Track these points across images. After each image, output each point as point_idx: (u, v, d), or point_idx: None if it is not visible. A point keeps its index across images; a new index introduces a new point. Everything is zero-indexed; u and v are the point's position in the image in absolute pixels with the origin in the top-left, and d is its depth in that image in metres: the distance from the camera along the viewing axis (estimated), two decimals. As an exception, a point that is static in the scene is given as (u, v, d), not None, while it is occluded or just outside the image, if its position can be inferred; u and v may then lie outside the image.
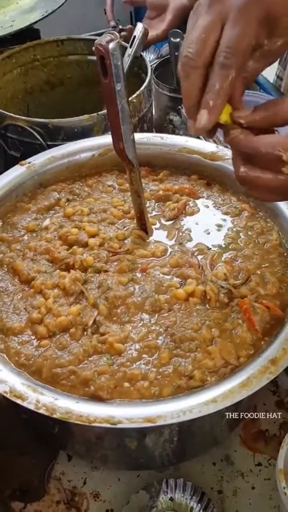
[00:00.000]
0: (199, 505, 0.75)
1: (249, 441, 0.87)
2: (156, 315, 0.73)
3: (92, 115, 1.00)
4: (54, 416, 0.61)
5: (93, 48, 0.67)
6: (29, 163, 0.93)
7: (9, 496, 0.81)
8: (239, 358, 0.68)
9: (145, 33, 1.11)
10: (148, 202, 0.89)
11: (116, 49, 0.65)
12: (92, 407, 0.62)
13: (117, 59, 0.66)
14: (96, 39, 0.67)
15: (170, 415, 0.61)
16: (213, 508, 0.75)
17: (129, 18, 2.12)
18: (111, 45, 0.65)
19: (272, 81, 1.44)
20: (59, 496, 0.82)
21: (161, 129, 1.26)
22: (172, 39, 1.23)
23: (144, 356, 0.68)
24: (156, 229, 0.87)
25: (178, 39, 1.22)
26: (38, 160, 0.94)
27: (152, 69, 1.15)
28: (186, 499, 0.76)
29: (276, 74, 1.48)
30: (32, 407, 0.61)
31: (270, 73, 1.47)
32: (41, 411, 0.61)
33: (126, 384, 0.66)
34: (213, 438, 0.81)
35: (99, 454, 0.79)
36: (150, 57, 1.52)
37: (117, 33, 0.66)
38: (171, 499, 0.77)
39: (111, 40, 0.65)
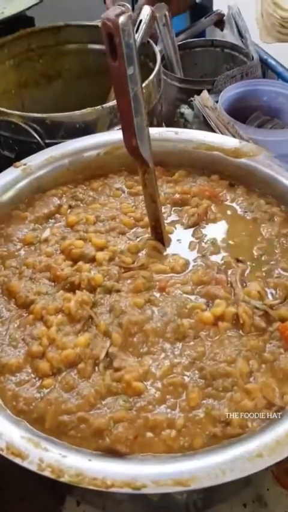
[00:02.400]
0: None
1: (283, 477, 0.76)
2: (181, 344, 0.61)
3: (96, 108, 0.88)
4: (62, 479, 0.49)
5: (100, 23, 0.55)
6: (25, 164, 0.81)
7: None
8: (284, 396, 0.57)
9: (152, 16, 0.99)
10: (163, 207, 0.78)
11: (128, 24, 0.54)
12: (108, 465, 0.51)
13: (128, 37, 0.54)
14: (97, 25, 0.55)
15: (206, 476, 0.49)
16: None
17: (130, 6, 2.00)
18: (121, 20, 0.53)
19: (286, 62, 1.33)
20: None
21: (170, 123, 1.15)
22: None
23: (168, 397, 0.57)
24: (173, 239, 0.75)
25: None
26: (35, 160, 0.82)
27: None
28: None
29: None
30: (34, 468, 0.50)
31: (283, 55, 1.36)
32: (46, 473, 0.50)
33: (149, 434, 0.54)
34: (246, 479, 0.70)
35: (113, 502, 0.68)
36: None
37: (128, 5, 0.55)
38: None
39: (121, 13, 0.54)
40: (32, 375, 0.59)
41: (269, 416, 0.55)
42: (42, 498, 0.75)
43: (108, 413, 0.55)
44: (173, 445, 0.53)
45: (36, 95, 1.19)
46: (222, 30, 1.36)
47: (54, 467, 0.50)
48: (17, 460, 0.50)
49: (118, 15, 0.53)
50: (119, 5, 0.55)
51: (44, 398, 0.57)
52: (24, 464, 0.50)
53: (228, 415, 0.55)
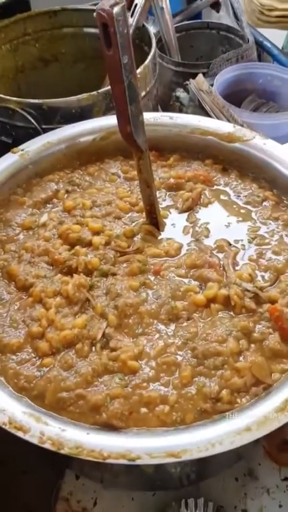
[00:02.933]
0: (222, 526, 0.68)
1: (274, 452, 0.79)
2: (174, 325, 0.64)
3: (92, 93, 0.89)
4: (62, 451, 0.52)
5: (94, 14, 0.56)
6: (22, 150, 0.83)
7: (14, 520, 0.74)
8: (272, 374, 0.60)
9: (147, 0, 1.00)
10: (158, 191, 0.79)
11: (122, 14, 0.55)
12: (105, 439, 0.54)
13: (123, 27, 0.56)
14: (93, 9, 0.56)
15: (196, 448, 0.52)
16: (238, 530, 0.68)
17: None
18: (115, 10, 0.54)
19: (281, 45, 1.34)
20: (68, 518, 0.74)
21: (165, 107, 1.16)
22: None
23: (162, 375, 0.59)
24: (168, 223, 0.77)
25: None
26: (32, 146, 0.84)
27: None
28: (208, 520, 0.69)
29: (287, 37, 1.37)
30: (35, 441, 0.53)
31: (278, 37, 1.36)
32: (47, 445, 0.53)
33: (144, 410, 0.57)
34: (238, 453, 0.73)
35: (110, 475, 0.71)
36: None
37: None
38: (191, 520, 0.69)
39: (115, 4, 0.55)
40: (33, 355, 0.62)
41: (258, 394, 0.58)
42: (43, 472, 0.78)
43: (105, 390, 0.58)
44: (166, 420, 0.56)
45: (33, 79, 1.19)
46: (218, 12, 1.35)
47: (55, 440, 0.52)
48: (19, 434, 0.53)
49: (113, 6, 0.54)
50: (113, -5, 0.56)
51: (44, 376, 0.59)
52: (26, 437, 0.53)
53: (219, 392, 0.57)
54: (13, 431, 0.54)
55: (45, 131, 0.88)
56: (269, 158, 0.80)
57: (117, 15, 0.54)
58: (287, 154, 0.79)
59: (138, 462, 0.51)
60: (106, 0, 0.55)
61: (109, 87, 0.90)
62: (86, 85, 1.13)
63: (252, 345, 0.62)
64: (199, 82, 1.03)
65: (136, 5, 1.01)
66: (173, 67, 1.13)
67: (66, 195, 0.81)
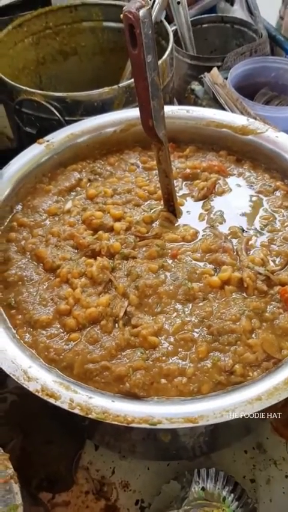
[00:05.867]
0: (232, 494, 0.73)
1: (281, 428, 0.84)
2: (191, 304, 0.69)
3: (113, 87, 0.93)
4: (90, 416, 0.57)
5: (121, 16, 0.61)
6: (48, 141, 0.87)
7: (37, 487, 0.79)
8: (282, 350, 0.65)
9: (166, -4, 1.03)
10: (175, 181, 0.84)
11: (147, 17, 0.59)
12: (128, 406, 0.59)
13: (148, 28, 0.60)
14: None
15: (212, 415, 0.57)
16: (247, 498, 0.73)
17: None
18: (141, 13, 0.59)
19: (274, 23, 1.37)
20: (88, 486, 0.80)
21: (181, 99, 1.19)
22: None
23: (180, 349, 0.65)
24: (184, 210, 0.81)
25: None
26: (57, 137, 0.88)
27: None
28: (218, 488, 0.74)
29: (279, 14, 1.40)
30: (66, 406, 0.58)
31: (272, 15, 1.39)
32: (76, 411, 0.58)
33: (163, 381, 0.62)
34: (247, 427, 0.78)
35: (128, 445, 0.76)
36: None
37: (149, 0, 0.60)
38: (203, 489, 0.74)
39: (141, 6, 0.59)
40: (61, 330, 0.67)
41: (269, 368, 0.63)
42: (65, 443, 0.83)
43: (128, 362, 0.63)
44: (184, 390, 0.61)
45: (53, 71, 1.24)
46: (232, 5, 1.38)
47: (83, 406, 0.58)
48: (51, 400, 0.58)
49: (139, 9, 0.59)
50: (139, -1, 0.60)
51: (71, 349, 0.65)
52: (57, 403, 0.58)
53: (233, 366, 0.62)
54: (45, 397, 0.59)
55: (68, 122, 0.93)
56: (281, 150, 0.84)
57: (143, 17, 0.58)
58: (298, 146, 0.84)
59: (159, 426, 0.56)
60: (132, 3, 0.60)
61: (129, 81, 0.95)
62: (104, 77, 1.17)
63: (264, 324, 0.67)
64: (214, 75, 1.07)
65: (155, 1, 1.04)
66: (189, 60, 1.17)
67: (88, 184, 0.86)
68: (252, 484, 0.79)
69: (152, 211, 0.81)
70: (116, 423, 0.57)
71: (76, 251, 0.75)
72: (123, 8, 0.60)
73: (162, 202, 0.80)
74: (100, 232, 0.76)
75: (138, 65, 0.63)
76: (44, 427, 0.81)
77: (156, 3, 1.04)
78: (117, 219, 0.78)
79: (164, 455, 0.78)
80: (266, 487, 0.78)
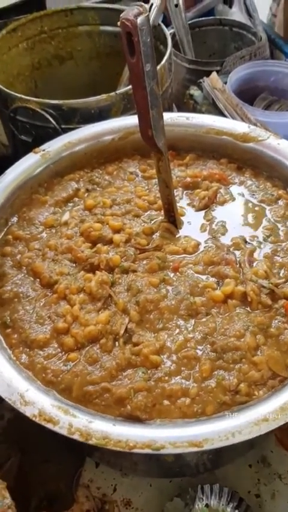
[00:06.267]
0: (236, 511, 0.71)
1: (285, 440, 0.82)
2: (193, 320, 0.67)
3: (111, 94, 0.91)
4: (90, 442, 0.55)
5: (119, 23, 0.58)
6: (44, 150, 0.85)
7: (36, 507, 0.77)
8: (288, 368, 0.62)
9: (163, 0, 1.01)
10: (175, 190, 0.81)
11: (145, 24, 0.57)
12: (130, 430, 0.57)
13: (146, 36, 0.58)
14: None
15: (217, 438, 0.55)
16: (252, 514, 0.71)
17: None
18: (139, 20, 0.56)
19: (266, 20, 1.35)
20: (89, 504, 0.77)
21: (180, 104, 1.17)
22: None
23: (183, 368, 0.62)
24: (185, 221, 0.79)
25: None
26: (53, 146, 0.86)
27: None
28: (222, 505, 0.72)
29: (270, 12, 1.38)
30: (64, 432, 0.56)
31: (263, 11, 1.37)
32: (75, 436, 0.56)
33: (166, 402, 0.60)
34: (251, 443, 0.76)
35: (130, 463, 0.74)
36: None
37: (146, 6, 0.58)
38: (207, 505, 0.72)
39: (139, 14, 0.57)
40: (59, 350, 0.65)
41: (275, 386, 0.61)
42: (64, 460, 0.81)
43: (129, 383, 0.61)
44: (188, 412, 0.59)
45: (49, 76, 1.21)
46: (230, 7, 1.36)
47: (83, 431, 0.55)
48: (49, 425, 0.56)
49: (136, 16, 0.56)
50: (137, 6, 0.58)
51: (70, 370, 0.62)
52: (56, 428, 0.56)
53: (238, 385, 0.60)
54: (43, 423, 0.56)
55: (64, 130, 0.90)
56: (283, 157, 0.82)
57: (141, 25, 0.56)
58: (301, 153, 0.81)
59: (162, 452, 0.54)
60: (130, 10, 0.57)
61: (126, 88, 0.93)
62: (100, 82, 1.15)
63: (269, 340, 0.64)
64: (213, 80, 1.05)
65: (152, 4, 1.02)
66: (187, 65, 1.15)
67: (86, 194, 0.84)
68: (257, 499, 0.77)
69: (152, 222, 0.78)
70: (117, 449, 0.54)
71: (74, 265, 0.73)
72: (121, 15, 0.57)
73: (162, 212, 0.78)
74: (99, 245, 0.74)
75: (136, 73, 0.61)
76: (43, 445, 0.78)
77: (154, 6, 1.02)
78: (117, 231, 0.76)
79: (167, 472, 0.76)
80: (271, 502, 0.77)
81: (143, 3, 0.58)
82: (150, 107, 0.63)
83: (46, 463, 0.81)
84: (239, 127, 0.87)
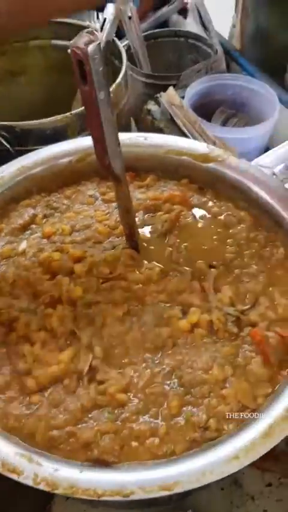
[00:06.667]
0: (211, 537, 0.70)
1: (258, 460, 0.81)
2: (160, 353, 0.65)
3: (66, 114, 0.88)
4: (57, 491, 0.53)
5: (68, 51, 0.56)
6: (-3, 176, 0.81)
7: None
8: (257, 399, 0.61)
9: (117, 15, 0.99)
10: (136, 213, 0.79)
11: (97, 53, 0.54)
12: (98, 475, 0.54)
13: (98, 65, 0.55)
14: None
15: (187, 480, 0.53)
16: None
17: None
18: (90, 48, 0.54)
19: (227, 33, 1.35)
20: (60, 539, 0.75)
21: (138, 119, 1.15)
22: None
23: (151, 406, 0.60)
24: (148, 246, 0.77)
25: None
26: (7, 171, 0.82)
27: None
28: (196, 532, 0.71)
29: (232, 24, 1.39)
30: (29, 482, 0.53)
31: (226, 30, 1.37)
32: (41, 486, 0.53)
33: (134, 444, 0.58)
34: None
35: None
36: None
37: (97, 34, 0.55)
38: (180, 533, 0.71)
39: (90, 42, 0.54)
40: (20, 392, 0.61)
41: (244, 417, 0.60)
42: (32, 494, 0.78)
43: (95, 425, 0.58)
44: (157, 452, 0.57)
45: (1, 91, 1.17)
46: (185, 18, 1.35)
47: (49, 481, 0.53)
48: (13, 476, 0.53)
49: (87, 44, 0.54)
50: (87, 33, 0.55)
51: (33, 413, 0.59)
52: (20, 479, 0.53)
53: (207, 421, 0.59)
54: (7, 473, 0.53)
55: (18, 153, 0.86)
56: (243, 178, 0.81)
57: (92, 54, 0.53)
58: (261, 173, 0.81)
59: (132, 497, 0.52)
60: (80, 37, 0.55)
61: (82, 107, 0.90)
62: (55, 98, 1.12)
63: (237, 371, 0.63)
64: (170, 96, 1.03)
65: (105, 19, 1.00)
66: (143, 79, 1.13)
67: (44, 220, 0.81)
68: (230, 522, 0.76)
69: (114, 248, 0.76)
70: (85, 497, 0.52)
71: (33, 299, 0.70)
72: (70, 43, 0.55)
73: (124, 238, 0.76)
74: (59, 276, 0.71)
75: (90, 102, 0.58)
76: (6, 478, 0.76)
77: (107, 21, 0.99)
78: (77, 260, 0.73)
79: (138, 504, 0.74)
80: (245, 525, 0.76)
81: (93, 30, 0.56)
82: (105, 135, 0.61)
83: (13, 497, 0.78)
84: (199, 147, 0.85)
